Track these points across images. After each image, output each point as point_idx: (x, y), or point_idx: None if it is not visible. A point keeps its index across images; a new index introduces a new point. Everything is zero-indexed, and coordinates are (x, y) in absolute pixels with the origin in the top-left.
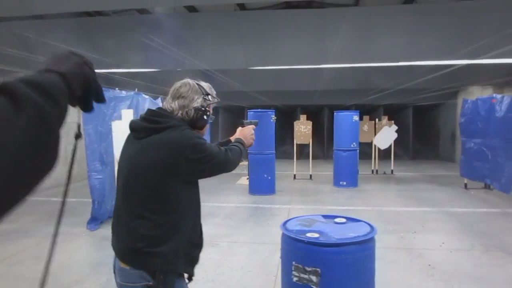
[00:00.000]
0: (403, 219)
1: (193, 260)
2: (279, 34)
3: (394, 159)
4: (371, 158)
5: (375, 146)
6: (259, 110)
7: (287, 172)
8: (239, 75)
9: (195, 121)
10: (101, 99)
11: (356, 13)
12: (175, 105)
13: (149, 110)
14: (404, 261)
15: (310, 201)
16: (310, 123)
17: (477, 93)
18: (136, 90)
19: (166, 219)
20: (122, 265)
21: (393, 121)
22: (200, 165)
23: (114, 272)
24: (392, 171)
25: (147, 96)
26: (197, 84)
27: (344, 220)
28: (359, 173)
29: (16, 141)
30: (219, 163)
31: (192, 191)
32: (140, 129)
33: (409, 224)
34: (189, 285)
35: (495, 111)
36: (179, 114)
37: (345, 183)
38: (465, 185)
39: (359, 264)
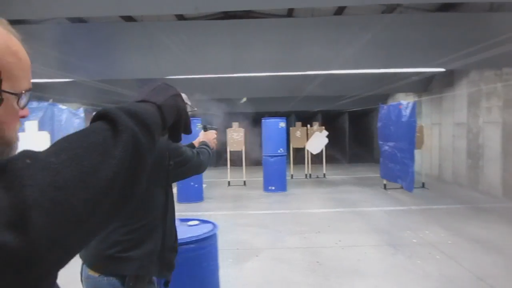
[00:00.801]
0: (314, 220)
1: (169, 264)
2: (207, 43)
3: (331, 163)
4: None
5: (307, 151)
6: (193, 118)
7: (222, 179)
8: (176, 84)
9: None
10: (188, 131)
11: (286, 23)
12: None
13: None
14: (296, 260)
15: (235, 207)
16: (242, 130)
17: (401, 99)
18: (51, 101)
19: (141, 224)
20: (90, 273)
21: (323, 127)
22: (178, 168)
23: (81, 281)
24: (324, 175)
25: (64, 107)
26: None
27: (197, 222)
28: (294, 177)
29: (110, 169)
30: (194, 166)
31: (168, 195)
32: None
33: (318, 225)
34: None
35: (402, 116)
36: None
37: (273, 188)
38: (384, 185)
39: (192, 263)
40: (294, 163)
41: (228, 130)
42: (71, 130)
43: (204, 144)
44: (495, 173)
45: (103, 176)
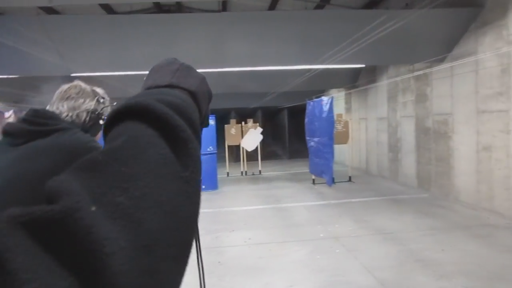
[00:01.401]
0: (233, 218)
1: None
2: (137, 38)
3: (272, 159)
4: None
5: (243, 148)
6: None
7: None
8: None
9: (88, 125)
10: (207, 123)
11: (214, 19)
12: (63, 107)
13: (31, 110)
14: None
15: None
16: None
17: (334, 94)
18: None
19: None
20: None
21: (258, 124)
22: None
23: None
24: (260, 172)
25: None
26: (89, 86)
27: None
28: (229, 175)
29: (189, 202)
30: None
31: None
32: (20, 132)
33: (235, 223)
34: None
35: (323, 111)
36: (68, 117)
37: (204, 186)
38: (313, 180)
39: None
40: (230, 161)
41: None
42: None
43: None
44: (410, 165)
45: (185, 215)
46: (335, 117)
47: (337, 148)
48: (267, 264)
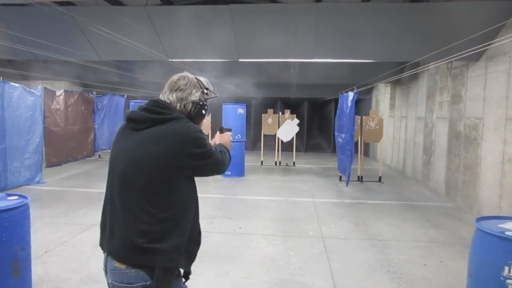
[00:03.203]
0: (238, 207)
1: (192, 257)
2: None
3: (316, 151)
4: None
5: (278, 138)
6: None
7: None
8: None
9: (193, 115)
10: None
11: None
12: (172, 97)
13: (152, 101)
14: None
15: None
16: (209, 114)
17: (382, 90)
18: (1, 78)
19: (166, 214)
20: (117, 265)
21: (295, 115)
22: (201, 161)
23: (106, 272)
24: (294, 163)
25: (17, 85)
26: (196, 78)
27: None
28: (263, 164)
29: (227, 162)
30: (217, 162)
31: (192, 187)
32: (142, 119)
33: (236, 211)
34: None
35: (348, 107)
36: (177, 107)
37: (229, 173)
38: (340, 177)
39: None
40: (266, 149)
41: None
42: (23, 108)
43: (222, 145)
44: (441, 171)
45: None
46: (369, 114)
47: (380, 146)
48: (240, 254)
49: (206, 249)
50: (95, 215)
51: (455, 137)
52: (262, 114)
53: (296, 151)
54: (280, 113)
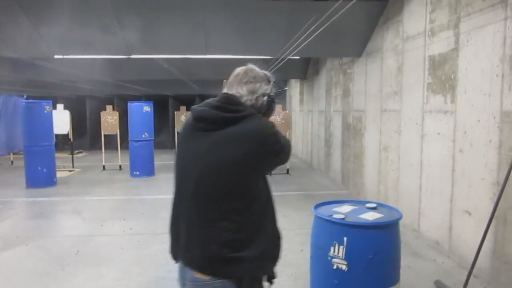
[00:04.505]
0: (137, 207)
1: (276, 260)
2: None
3: None
4: None
5: None
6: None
7: (99, 163)
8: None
9: (264, 109)
10: None
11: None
12: (242, 90)
13: (224, 97)
14: (58, 249)
15: (79, 192)
16: (117, 113)
17: (293, 85)
18: None
19: (251, 219)
20: (199, 276)
21: None
22: (277, 156)
23: (183, 284)
24: None
25: None
26: (260, 70)
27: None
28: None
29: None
30: (287, 154)
31: (267, 186)
32: (214, 119)
33: (133, 212)
34: None
35: None
36: (248, 101)
37: (138, 173)
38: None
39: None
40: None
41: (102, 113)
42: None
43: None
44: (337, 161)
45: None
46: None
47: (293, 140)
48: (121, 256)
49: (85, 253)
50: None
51: (347, 129)
52: (175, 112)
53: None
54: None
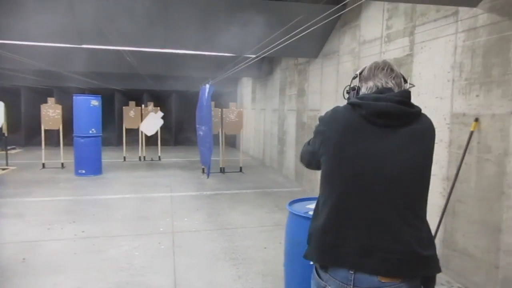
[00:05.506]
0: (86, 209)
1: None
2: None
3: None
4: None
5: (141, 132)
6: None
7: (38, 161)
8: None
9: None
10: None
11: None
12: (393, 84)
13: (405, 92)
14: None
15: (16, 193)
16: (60, 107)
17: (245, 83)
18: None
19: (425, 216)
20: (385, 280)
21: (159, 108)
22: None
23: None
24: (159, 157)
25: None
26: None
27: None
28: (126, 160)
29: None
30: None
31: None
32: (399, 114)
33: (83, 213)
34: None
35: (206, 99)
36: None
37: (84, 171)
38: (203, 170)
39: None
40: (129, 145)
41: (43, 106)
42: None
43: None
44: (291, 158)
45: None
46: (229, 106)
47: (242, 138)
48: (76, 261)
49: (33, 260)
50: None
51: (301, 127)
52: (123, 107)
53: (164, 145)
54: (143, 105)
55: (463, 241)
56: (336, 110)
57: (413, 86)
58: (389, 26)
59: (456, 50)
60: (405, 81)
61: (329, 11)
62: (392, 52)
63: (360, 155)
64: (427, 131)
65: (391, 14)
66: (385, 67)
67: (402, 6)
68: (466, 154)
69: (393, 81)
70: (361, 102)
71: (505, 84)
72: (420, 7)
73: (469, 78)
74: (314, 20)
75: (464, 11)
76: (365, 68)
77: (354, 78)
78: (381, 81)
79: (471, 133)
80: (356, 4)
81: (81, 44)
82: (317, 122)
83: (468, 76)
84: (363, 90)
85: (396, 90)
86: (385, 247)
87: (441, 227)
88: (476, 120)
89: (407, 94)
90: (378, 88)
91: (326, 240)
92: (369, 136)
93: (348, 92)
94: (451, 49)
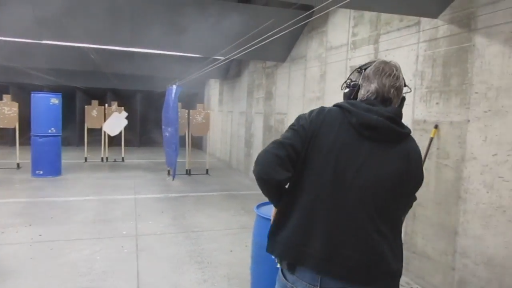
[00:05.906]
0: (44, 211)
1: None
2: None
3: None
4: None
5: (104, 132)
6: None
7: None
8: None
9: (401, 110)
10: None
11: None
12: (393, 94)
13: (398, 110)
14: None
15: None
16: (16, 104)
17: (213, 85)
18: None
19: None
20: (344, 285)
21: (123, 108)
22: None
23: None
24: (123, 158)
25: None
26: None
27: None
28: (88, 160)
29: None
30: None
31: None
32: (387, 132)
33: (40, 217)
34: None
35: (172, 100)
36: (394, 104)
37: (42, 172)
38: (168, 171)
39: None
40: (91, 145)
41: None
42: None
43: None
44: None
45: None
46: (196, 108)
47: (209, 140)
48: (33, 267)
49: None
50: None
51: (268, 130)
52: (86, 106)
53: (128, 145)
54: (107, 105)
55: (422, 243)
56: (328, 110)
57: (410, 91)
58: (355, 33)
59: (418, 59)
60: (405, 85)
61: (298, 17)
62: (358, 59)
63: (342, 161)
64: (412, 155)
65: (357, 22)
66: (391, 74)
67: (367, 14)
68: (426, 159)
69: (395, 92)
70: (352, 109)
71: (463, 93)
72: (384, 16)
73: (429, 86)
74: (283, 26)
75: (425, 22)
76: (370, 64)
77: (356, 71)
78: (384, 88)
79: (431, 139)
80: (324, 12)
81: (41, 40)
82: (296, 120)
83: (429, 84)
84: (363, 92)
85: (395, 100)
86: (345, 254)
87: (402, 230)
88: (436, 127)
89: (399, 112)
90: (378, 94)
91: (293, 238)
92: (355, 145)
93: (348, 86)
94: (413, 58)
